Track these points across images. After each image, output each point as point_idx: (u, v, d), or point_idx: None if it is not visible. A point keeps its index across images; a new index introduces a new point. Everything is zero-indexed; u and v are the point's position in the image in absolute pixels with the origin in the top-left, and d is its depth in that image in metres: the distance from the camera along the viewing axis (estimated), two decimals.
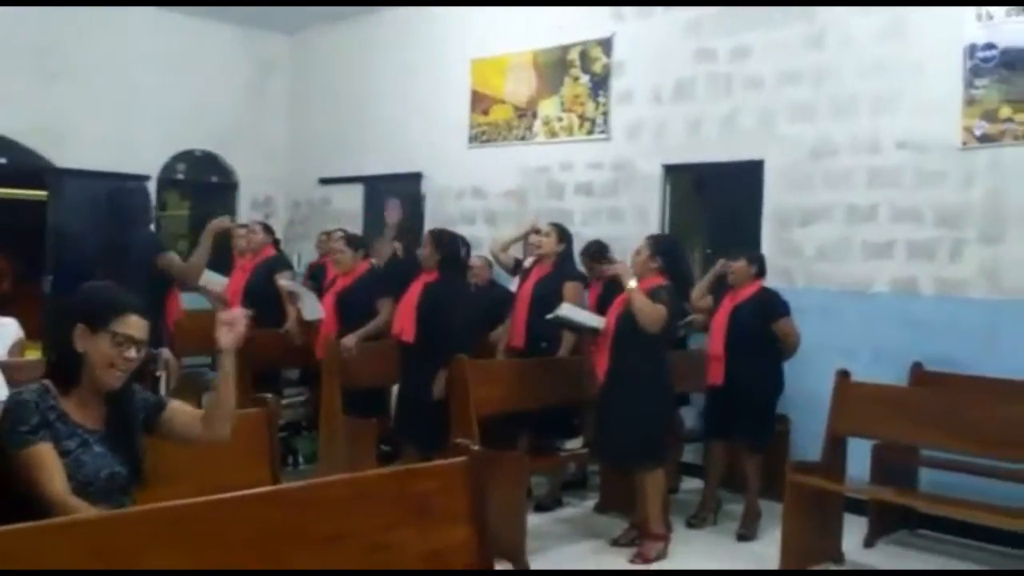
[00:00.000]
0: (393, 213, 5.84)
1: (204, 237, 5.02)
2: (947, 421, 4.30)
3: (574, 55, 7.32)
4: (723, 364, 5.05)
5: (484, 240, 7.72)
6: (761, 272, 5.22)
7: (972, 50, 5.26)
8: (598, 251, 5.98)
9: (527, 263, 6.16)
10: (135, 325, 2.44)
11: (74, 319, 2.42)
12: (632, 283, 4.53)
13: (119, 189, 5.84)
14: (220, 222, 5.17)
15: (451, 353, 4.84)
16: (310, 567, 2.22)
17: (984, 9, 5.22)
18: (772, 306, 5.10)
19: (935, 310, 5.33)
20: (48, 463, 2.30)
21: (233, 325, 2.57)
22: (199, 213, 9.60)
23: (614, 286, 5.68)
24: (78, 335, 2.40)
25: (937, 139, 5.37)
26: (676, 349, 5.42)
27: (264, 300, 5.95)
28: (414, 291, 5.17)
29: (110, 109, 8.51)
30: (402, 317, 5.17)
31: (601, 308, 5.27)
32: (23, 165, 8.34)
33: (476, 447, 2.72)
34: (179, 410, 2.63)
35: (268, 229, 6.68)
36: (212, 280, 6.27)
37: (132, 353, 2.42)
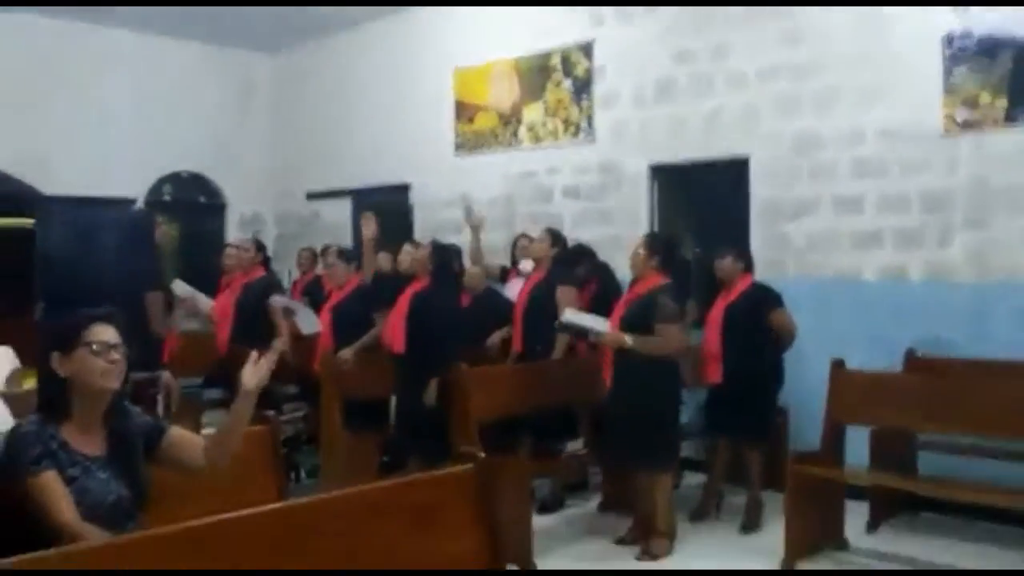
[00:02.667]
0: (368, 227, 5.81)
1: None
2: (942, 405, 4.36)
3: (555, 60, 7.36)
4: (721, 362, 5.07)
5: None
6: (749, 267, 5.26)
7: (950, 39, 5.33)
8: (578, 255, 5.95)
9: (523, 267, 6.22)
10: (103, 331, 2.47)
11: (48, 350, 2.45)
12: (629, 341, 4.49)
13: (123, 216, 5.82)
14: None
15: (441, 361, 4.87)
16: None
17: None
18: (765, 299, 5.13)
19: (925, 296, 5.39)
20: (55, 491, 2.32)
21: (260, 369, 2.58)
22: (188, 234, 9.61)
23: (609, 285, 5.75)
24: (56, 363, 2.43)
25: (919, 128, 5.42)
26: None
27: (257, 320, 5.97)
28: (403, 301, 5.21)
29: (92, 134, 8.51)
30: (392, 328, 5.22)
31: (595, 306, 5.30)
32: (8, 193, 8.32)
33: (481, 454, 2.75)
34: (180, 438, 2.63)
35: (260, 247, 6.68)
36: (192, 296, 6.32)
37: (115, 355, 2.45)
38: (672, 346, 4.51)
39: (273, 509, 2.49)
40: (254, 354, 2.61)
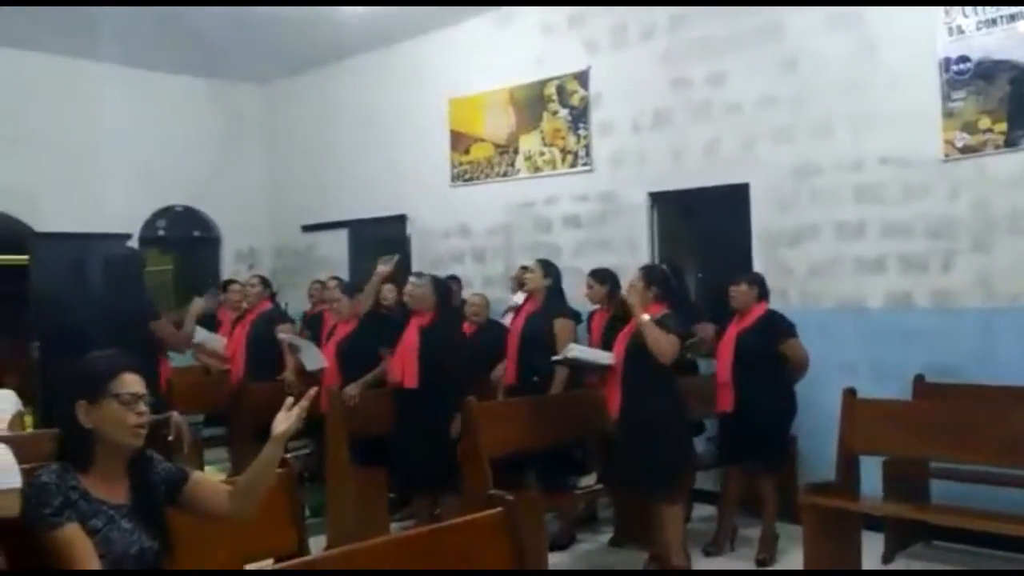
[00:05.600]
0: (386, 265, 5.69)
1: (189, 317, 5.36)
2: (955, 433, 4.33)
3: (551, 89, 7.38)
4: (732, 390, 5.02)
5: (473, 278, 7.75)
6: (764, 294, 5.22)
7: (947, 64, 5.36)
8: (615, 285, 5.85)
9: (518, 299, 6.20)
10: (132, 382, 2.42)
11: (72, 398, 2.39)
12: (645, 316, 4.49)
13: (112, 255, 5.80)
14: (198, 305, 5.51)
15: (458, 394, 4.84)
16: None
17: (955, 23, 5.33)
18: (778, 327, 5.07)
19: (931, 322, 5.38)
20: (78, 545, 2.26)
21: (291, 416, 2.54)
22: (183, 268, 9.56)
23: (618, 318, 5.69)
24: (81, 412, 2.37)
25: (919, 153, 5.44)
26: (686, 375, 5.36)
27: (265, 354, 5.93)
28: (411, 336, 5.17)
29: (84, 169, 8.47)
30: (403, 363, 5.17)
31: (608, 337, 5.25)
32: (1, 231, 8.25)
33: (509, 497, 2.71)
34: (204, 483, 2.59)
35: (266, 283, 6.67)
36: (209, 339, 6.25)
37: (142, 407, 2.41)
38: (666, 348, 4.44)
39: (303, 562, 2.45)
40: (288, 400, 2.58)
